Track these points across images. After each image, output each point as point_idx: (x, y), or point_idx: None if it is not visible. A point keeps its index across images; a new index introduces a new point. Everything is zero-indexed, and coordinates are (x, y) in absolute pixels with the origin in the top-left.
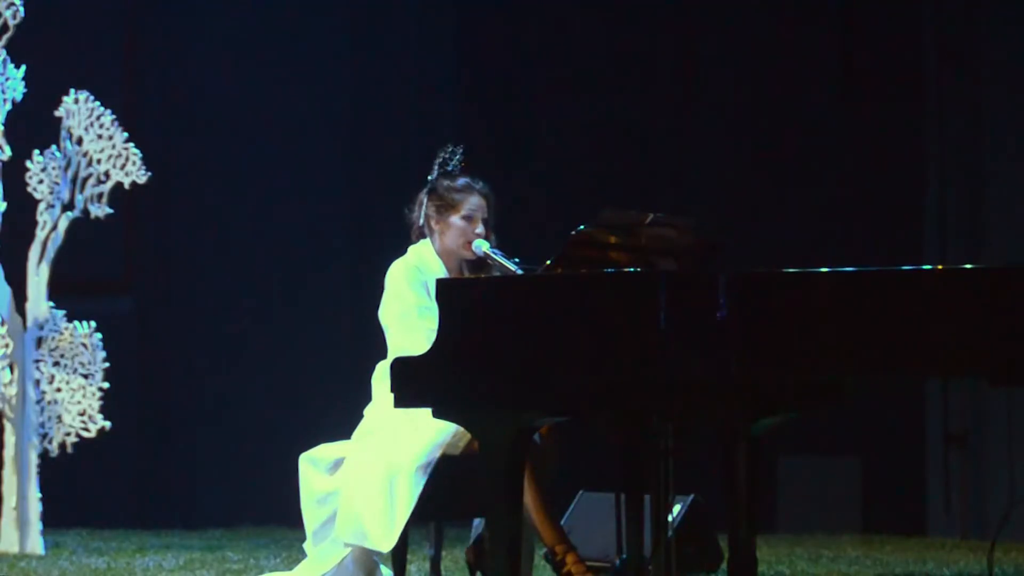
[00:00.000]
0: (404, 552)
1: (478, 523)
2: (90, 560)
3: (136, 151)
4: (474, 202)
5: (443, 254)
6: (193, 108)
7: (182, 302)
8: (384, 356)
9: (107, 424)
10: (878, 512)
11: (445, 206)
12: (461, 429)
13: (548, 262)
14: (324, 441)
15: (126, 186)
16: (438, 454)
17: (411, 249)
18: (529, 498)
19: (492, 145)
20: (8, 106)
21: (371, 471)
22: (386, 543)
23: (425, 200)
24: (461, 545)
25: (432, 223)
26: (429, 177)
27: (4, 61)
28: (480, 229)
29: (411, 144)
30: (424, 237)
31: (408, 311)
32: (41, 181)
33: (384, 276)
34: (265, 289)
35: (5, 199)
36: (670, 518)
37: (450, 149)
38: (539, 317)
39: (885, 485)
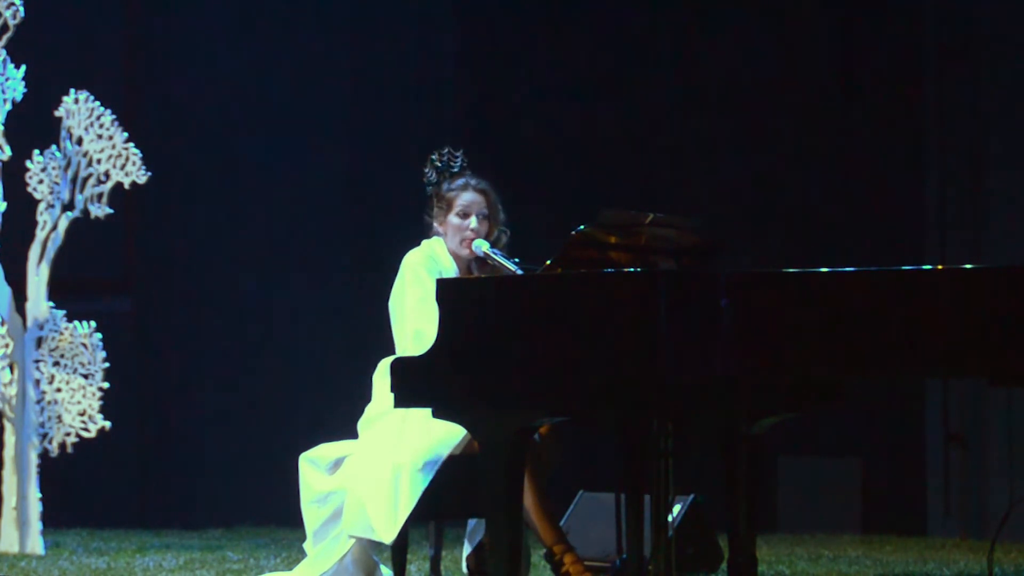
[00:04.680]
0: (404, 552)
1: (472, 525)
2: (90, 560)
3: (136, 151)
4: (467, 198)
5: (452, 253)
6: (193, 108)
7: (182, 302)
8: (388, 352)
9: (107, 424)
10: (878, 512)
11: (444, 205)
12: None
13: (548, 262)
14: (324, 441)
15: (126, 186)
16: (445, 453)
17: (425, 242)
18: (528, 498)
19: (491, 145)
20: (8, 106)
21: (377, 465)
22: (389, 535)
23: (433, 202)
24: (461, 545)
25: (438, 224)
26: (426, 180)
27: (4, 61)
28: (474, 224)
29: (411, 145)
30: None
31: (427, 295)
32: (41, 181)
33: (384, 275)
34: (265, 289)
35: (5, 199)
36: (670, 518)
37: (445, 151)
38: (539, 317)
39: (885, 485)
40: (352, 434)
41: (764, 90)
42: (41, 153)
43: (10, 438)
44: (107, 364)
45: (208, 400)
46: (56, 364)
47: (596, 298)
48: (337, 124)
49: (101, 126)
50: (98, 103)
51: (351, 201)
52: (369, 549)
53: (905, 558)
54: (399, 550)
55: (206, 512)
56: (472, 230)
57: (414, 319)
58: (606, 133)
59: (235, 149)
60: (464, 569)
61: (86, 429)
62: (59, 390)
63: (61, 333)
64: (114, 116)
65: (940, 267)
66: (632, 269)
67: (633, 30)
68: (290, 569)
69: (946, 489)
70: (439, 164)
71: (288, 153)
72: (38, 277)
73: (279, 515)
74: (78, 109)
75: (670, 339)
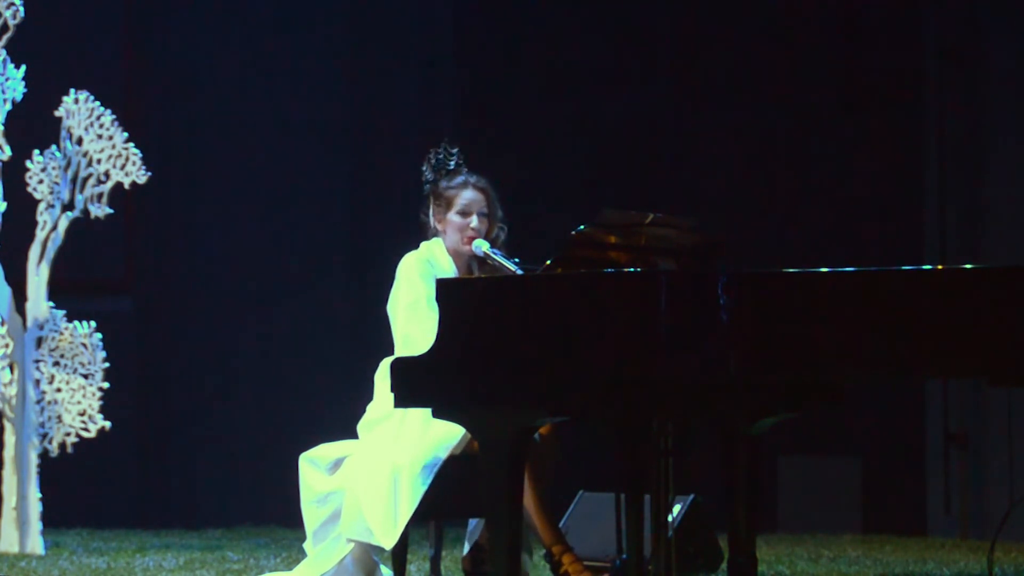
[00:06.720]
0: (404, 552)
1: (473, 525)
2: (90, 560)
3: (136, 151)
4: (467, 196)
5: (451, 252)
6: (193, 109)
7: (182, 302)
8: (389, 353)
9: (107, 424)
10: (878, 512)
11: (444, 204)
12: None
13: (548, 262)
14: (324, 441)
15: (126, 186)
16: (444, 455)
17: (423, 244)
18: (528, 498)
19: (491, 145)
20: (8, 106)
21: (376, 468)
22: (388, 540)
23: (431, 200)
24: (461, 545)
25: (436, 222)
26: (424, 178)
27: (4, 61)
28: (475, 223)
29: (411, 144)
30: (436, 236)
31: (417, 300)
32: (41, 181)
33: (384, 275)
34: (265, 289)
35: (5, 199)
36: (670, 518)
37: (442, 148)
38: (539, 317)
39: (885, 485)
40: (352, 434)
41: (765, 90)
42: (41, 153)
43: (10, 438)
44: (107, 364)
45: (208, 400)
46: (56, 364)
47: (596, 298)
48: (336, 124)
49: (101, 126)
50: (98, 103)
51: (351, 200)
52: (369, 549)
53: (905, 558)
54: (399, 551)
55: (206, 512)
56: (473, 229)
57: (403, 325)
58: (606, 133)
59: (235, 149)
60: (463, 569)
61: (86, 429)
62: (59, 390)
63: (61, 333)
64: (114, 116)
65: (940, 267)
66: (632, 269)
67: (634, 31)
68: (290, 569)
69: (946, 489)
70: (434, 161)
71: (288, 153)
72: (38, 277)
73: (279, 515)
74: (78, 109)
75: (670, 339)
